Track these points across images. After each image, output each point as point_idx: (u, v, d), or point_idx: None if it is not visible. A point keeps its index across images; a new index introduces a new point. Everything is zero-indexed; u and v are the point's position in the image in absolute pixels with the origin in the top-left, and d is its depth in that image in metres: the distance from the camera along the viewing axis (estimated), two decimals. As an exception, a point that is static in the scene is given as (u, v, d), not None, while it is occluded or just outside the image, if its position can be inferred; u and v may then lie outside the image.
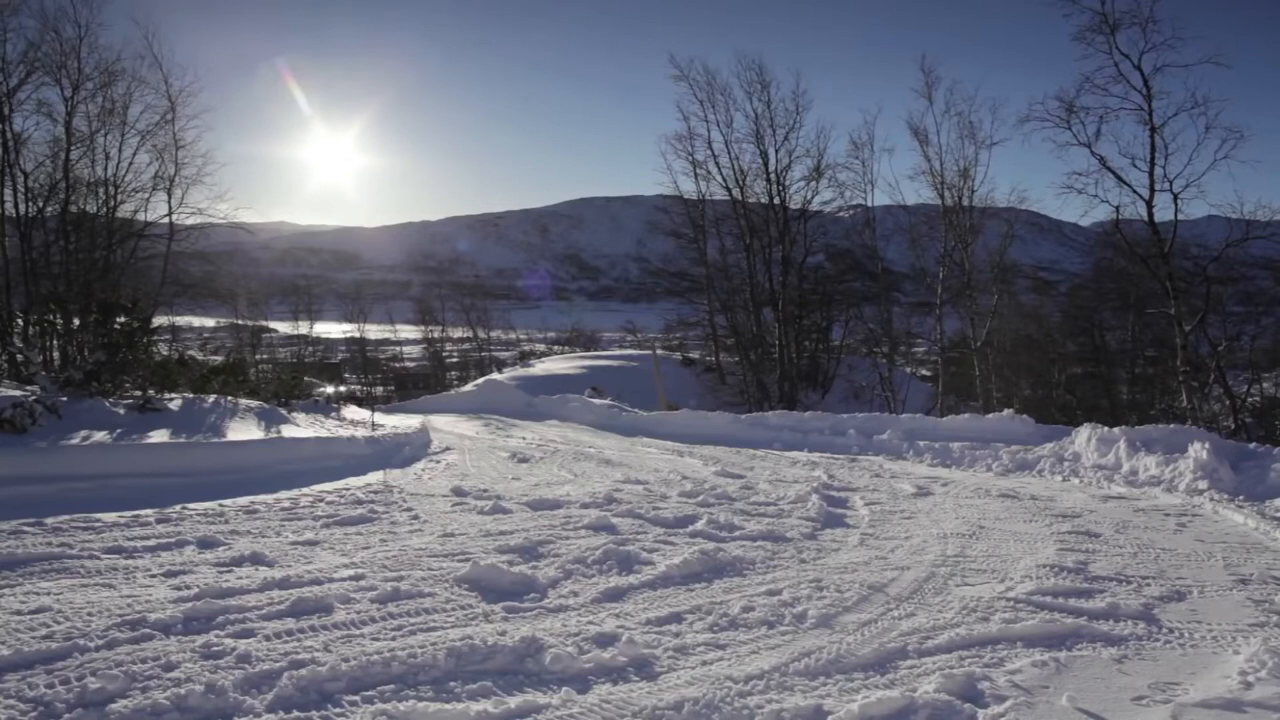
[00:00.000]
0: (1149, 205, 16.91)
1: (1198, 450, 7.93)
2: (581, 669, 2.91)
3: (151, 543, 4.48)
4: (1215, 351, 17.17)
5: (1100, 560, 4.84)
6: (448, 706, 2.60)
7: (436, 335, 53.90)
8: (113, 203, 18.15)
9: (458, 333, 55.66)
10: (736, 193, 25.71)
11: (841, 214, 27.87)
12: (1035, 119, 17.87)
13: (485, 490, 6.77)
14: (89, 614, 3.26)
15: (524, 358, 40.73)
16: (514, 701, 2.63)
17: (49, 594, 3.52)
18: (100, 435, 6.94)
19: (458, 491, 6.64)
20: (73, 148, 17.11)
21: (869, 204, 25.39)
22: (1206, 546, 5.32)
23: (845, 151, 32.41)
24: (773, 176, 25.23)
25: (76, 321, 8.63)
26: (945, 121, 23.58)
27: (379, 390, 32.19)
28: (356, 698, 2.64)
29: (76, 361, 8.36)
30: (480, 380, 26.21)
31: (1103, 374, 25.01)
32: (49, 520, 4.77)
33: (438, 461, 9.28)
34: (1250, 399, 21.17)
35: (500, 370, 28.85)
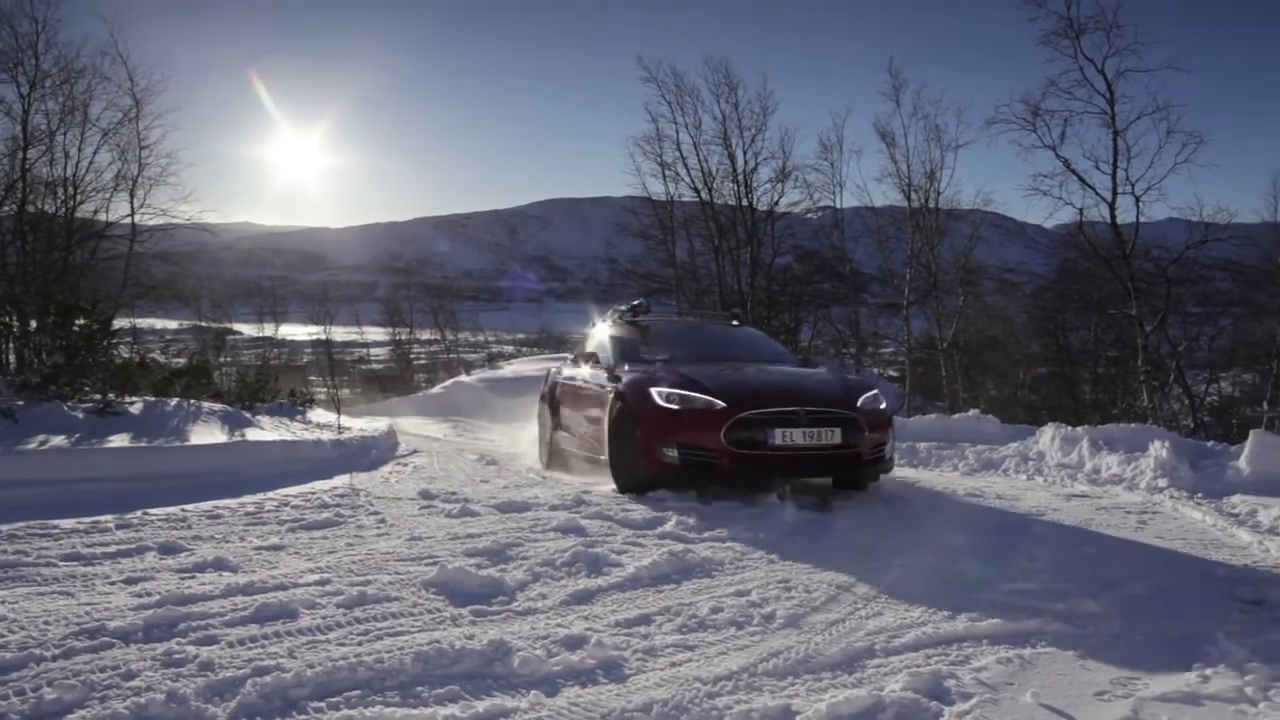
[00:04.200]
0: (1111, 208, 17.25)
1: (1158, 449, 8.07)
2: (550, 672, 2.89)
3: (111, 549, 4.39)
4: (1175, 352, 17.52)
5: (1063, 559, 4.90)
6: (414, 711, 2.57)
7: (404, 337, 53.58)
8: (72, 203, 17.90)
9: (425, 334, 55.40)
10: (705, 194, 25.82)
11: (810, 215, 28.09)
12: (1001, 120, 18.21)
13: (453, 493, 6.73)
14: (45, 623, 3.19)
15: (492, 359, 40.55)
16: (482, 705, 2.61)
17: (3, 603, 3.44)
18: (58, 439, 6.80)
19: (425, 494, 6.59)
20: (30, 146, 16.85)
21: (838, 205, 25.62)
22: (1166, 543, 5.41)
23: (814, 153, 32.69)
24: (740, 178, 25.38)
25: (34, 324, 8.46)
26: (912, 124, 23.87)
27: (345, 393, 31.86)
28: (322, 704, 2.61)
29: (33, 364, 8.19)
30: (448, 382, 26.07)
31: (1066, 374, 25.43)
32: (4, 527, 4.67)
33: (405, 464, 9.21)
34: (1209, 398, 21.61)
35: (468, 372, 28.69)
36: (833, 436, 6.16)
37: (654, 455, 6.21)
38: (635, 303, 8.81)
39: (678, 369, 6.80)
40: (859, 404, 6.48)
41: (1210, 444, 9.19)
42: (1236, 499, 6.74)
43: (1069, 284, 25.91)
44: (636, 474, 6.47)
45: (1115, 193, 17.00)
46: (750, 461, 6.04)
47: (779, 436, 6.03)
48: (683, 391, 6.26)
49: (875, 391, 6.85)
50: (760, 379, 6.88)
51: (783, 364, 7.69)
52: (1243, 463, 7.68)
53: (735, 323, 9.37)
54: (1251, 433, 8.23)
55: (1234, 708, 2.79)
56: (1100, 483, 8.03)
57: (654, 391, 6.36)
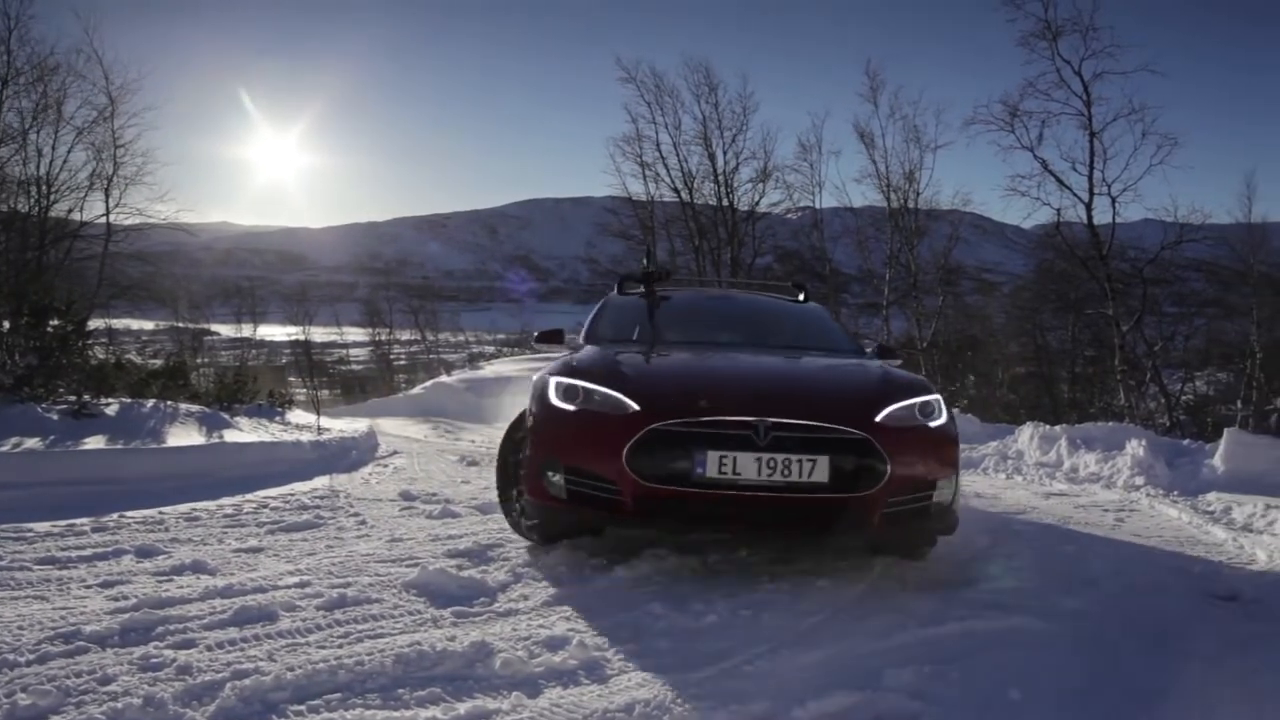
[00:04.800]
0: (1088, 208, 17.40)
1: (1134, 447, 8.16)
2: (531, 673, 2.88)
3: (87, 552, 4.35)
4: (1151, 351, 17.69)
5: (1043, 557, 4.94)
6: (395, 714, 2.55)
7: (384, 337, 53.34)
8: (46, 202, 17.69)
9: (405, 335, 55.19)
10: (685, 194, 25.84)
11: (790, 216, 28.15)
12: (980, 121, 18.35)
13: (434, 494, 6.70)
14: (19, 627, 3.15)
15: (473, 360, 40.41)
16: (463, 707, 2.60)
17: (-23, 607, 3.39)
18: (32, 442, 6.72)
19: (405, 495, 6.56)
20: (2, 144, 16.64)
21: (817, 206, 25.71)
22: (1143, 540, 5.47)
23: (794, 154, 32.72)
24: (721, 178, 25.41)
25: (6, 325, 8.34)
26: (890, 125, 23.98)
27: (325, 394, 31.67)
28: (302, 707, 2.58)
29: (6, 366, 8.08)
30: (428, 383, 25.97)
31: (1044, 373, 25.61)
32: (-23, 530, 4.60)
33: (385, 465, 9.16)
34: (1184, 397, 21.84)
35: (449, 373, 28.59)
36: (812, 470, 3.77)
37: (538, 483, 4.19)
38: (645, 264, 6.28)
39: (618, 352, 4.75)
40: (880, 418, 4.00)
41: (1186, 442, 9.31)
42: (1211, 496, 6.82)
43: (1047, 284, 26.11)
44: (515, 511, 4.76)
45: (1092, 193, 17.17)
46: (665, 503, 3.84)
47: (713, 464, 3.75)
48: (584, 384, 4.16)
49: (925, 399, 4.28)
50: (716, 367, 4.71)
51: (838, 357, 5.26)
52: (1217, 461, 7.78)
53: (802, 297, 6.80)
54: (1226, 431, 8.34)
55: (1212, 700, 2.81)
56: (1078, 481, 8.10)
57: (553, 383, 4.29)
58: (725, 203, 25.54)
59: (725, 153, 25.29)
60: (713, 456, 3.76)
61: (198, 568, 4.13)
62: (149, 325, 39.67)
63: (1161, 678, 3.00)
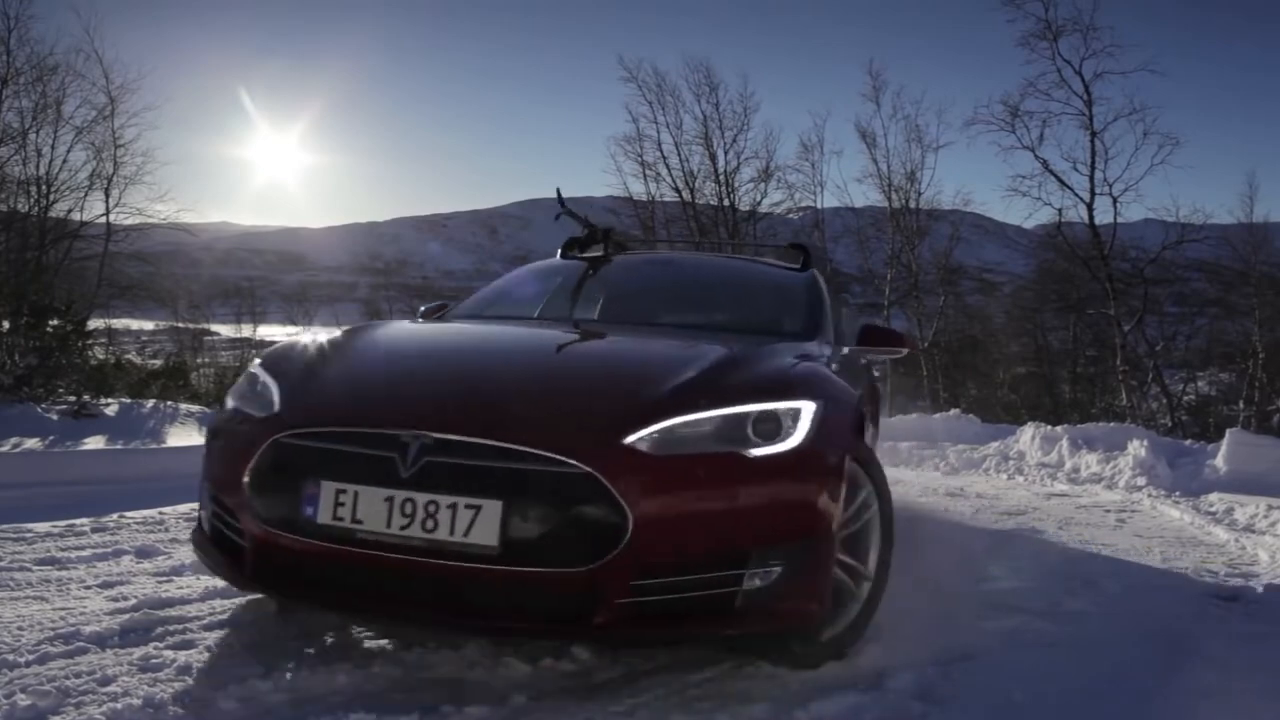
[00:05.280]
0: (1089, 208, 17.46)
1: (1136, 448, 8.16)
2: (532, 675, 2.87)
3: (87, 553, 4.33)
4: (1152, 351, 17.72)
5: (1044, 557, 4.93)
6: (396, 719, 2.54)
7: (385, 337, 53.29)
8: (45, 202, 17.72)
9: (406, 335, 55.08)
10: (686, 194, 25.85)
11: (791, 216, 28.16)
12: (981, 121, 18.44)
13: (435, 494, 6.68)
14: (19, 628, 3.14)
15: (474, 360, 40.34)
16: (465, 711, 2.59)
17: (-24, 608, 3.38)
18: (31, 442, 6.73)
19: (406, 496, 6.53)
20: (2, 144, 16.67)
21: (818, 206, 25.73)
22: (1145, 541, 5.46)
23: (795, 154, 32.78)
24: (722, 178, 25.44)
25: (6, 325, 8.35)
26: (892, 125, 24.05)
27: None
28: (302, 709, 2.57)
29: (6, 366, 8.08)
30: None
31: (1045, 373, 25.65)
32: (-23, 531, 4.59)
33: (386, 465, 9.13)
34: (1186, 397, 21.85)
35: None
36: (472, 524, 2.30)
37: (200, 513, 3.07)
38: (558, 216, 5.10)
39: (386, 326, 3.63)
40: (635, 437, 2.38)
41: (1187, 443, 9.33)
42: (1213, 497, 6.81)
43: (1048, 284, 26.15)
44: None
45: (1093, 193, 17.22)
46: (283, 561, 2.59)
47: (328, 503, 2.42)
48: (263, 372, 2.94)
49: (762, 407, 2.53)
50: (433, 349, 3.34)
51: (744, 340, 3.37)
52: (1219, 461, 7.77)
53: (803, 265, 4.74)
54: (1228, 432, 8.34)
55: (1215, 700, 2.80)
56: (1080, 481, 8.09)
57: (246, 371, 3.13)
58: (726, 203, 25.57)
59: (726, 152, 25.36)
60: (328, 490, 2.43)
61: (198, 568, 4.12)
62: (149, 325, 39.70)
63: (1163, 678, 2.99)
